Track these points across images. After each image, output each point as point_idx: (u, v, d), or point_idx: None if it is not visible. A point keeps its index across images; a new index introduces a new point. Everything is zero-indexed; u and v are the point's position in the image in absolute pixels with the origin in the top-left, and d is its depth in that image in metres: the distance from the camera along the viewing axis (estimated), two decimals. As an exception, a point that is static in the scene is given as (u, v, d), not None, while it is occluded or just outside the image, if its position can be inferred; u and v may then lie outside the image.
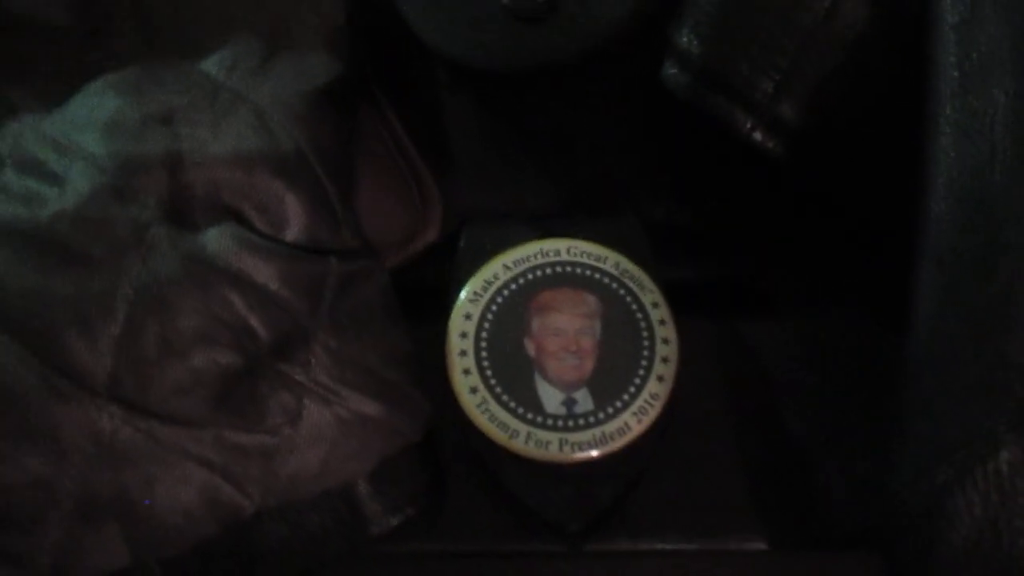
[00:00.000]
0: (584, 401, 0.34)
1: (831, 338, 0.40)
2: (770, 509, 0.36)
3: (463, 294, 0.36)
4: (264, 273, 0.32)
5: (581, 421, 0.34)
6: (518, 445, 0.34)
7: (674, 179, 0.42)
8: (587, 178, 0.42)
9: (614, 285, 0.37)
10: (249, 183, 0.34)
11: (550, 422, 0.34)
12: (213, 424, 0.32)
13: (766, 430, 0.37)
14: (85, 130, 0.34)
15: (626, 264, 0.37)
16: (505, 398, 0.35)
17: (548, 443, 0.34)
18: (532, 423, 0.34)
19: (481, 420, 0.34)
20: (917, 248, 0.30)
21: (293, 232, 0.34)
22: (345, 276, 0.35)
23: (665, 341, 0.36)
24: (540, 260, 0.37)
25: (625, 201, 0.41)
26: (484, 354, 0.35)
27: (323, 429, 0.33)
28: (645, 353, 0.35)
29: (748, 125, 0.36)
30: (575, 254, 0.37)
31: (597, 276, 0.37)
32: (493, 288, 0.36)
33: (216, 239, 0.32)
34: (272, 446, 0.32)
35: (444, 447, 0.35)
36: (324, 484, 0.33)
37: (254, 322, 0.32)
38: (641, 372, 0.35)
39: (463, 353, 0.35)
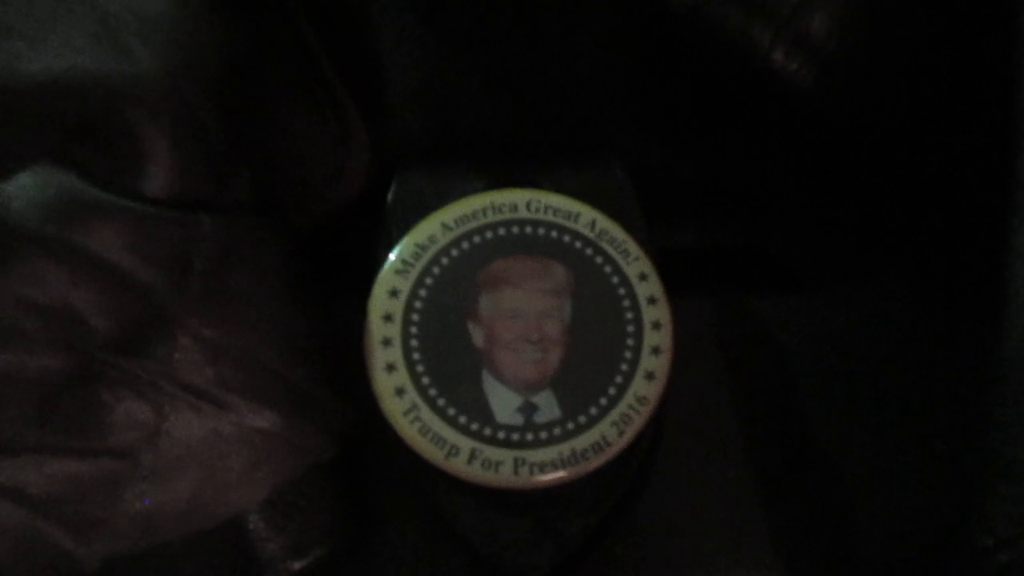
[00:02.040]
0: (548, 407, 0.26)
1: (871, 322, 0.31)
2: (787, 545, 0.28)
3: (388, 263, 0.27)
4: (101, 239, 0.24)
5: (544, 434, 0.25)
6: (459, 466, 0.25)
7: (671, 120, 0.33)
8: (559, 115, 0.33)
9: (589, 252, 0.28)
10: (84, 113, 0.24)
11: (503, 435, 0.25)
12: (32, 448, 0.23)
13: (785, 443, 0.29)
14: None
15: (605, 224, 0.28)
16: (442, 403, 0.26)
17: (500, 464, 0.25)
18: (479, 437, 0.25)
19: (410, 433, 0.25)
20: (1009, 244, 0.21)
21: (154, 181, 0.25)
22: (226, 241, 0.26)
23: (656, 326, 0.27)
24: (492, 218, 0.28)
25: (608, 147, 0.31)
26: (415, 343, 0.26)
27: (194, 448, 0.25)
28: (629, 342, 0.26)
29: (767, 43, 0.28)
30: (538, 210, 0.28)
31: (567, 240, 0.28)
32: (429, 255, 0.27)
33: (24, 191, 0.23)
34: (119, 473, 0.24)
35: (366, 469, 0.26)
36: (198, 522, 0.25)
37: (84, 306, 0.23)
38: (624, 368, 0.26)
39: (387, 342, 0.26)
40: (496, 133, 0.32)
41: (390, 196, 0.29)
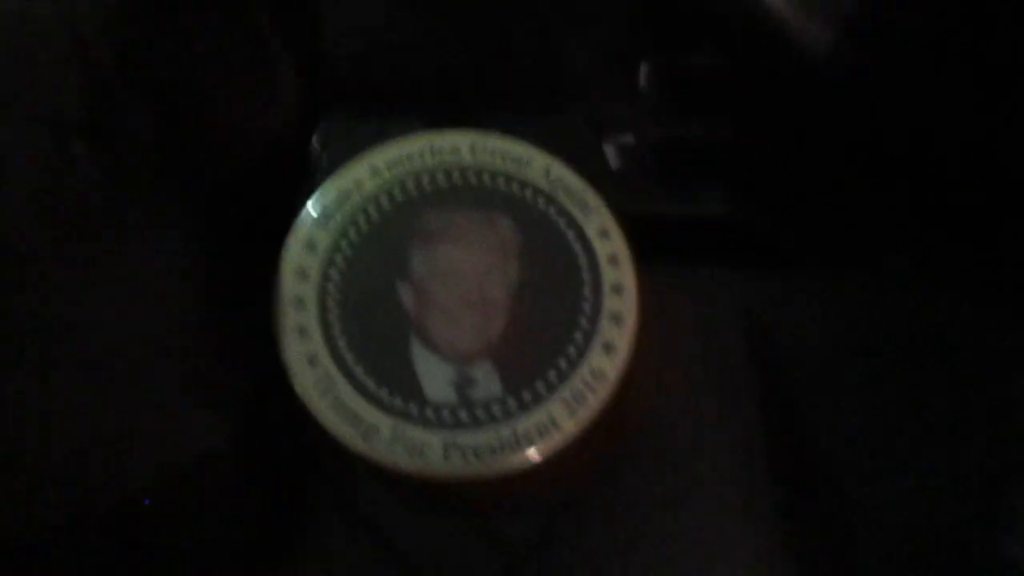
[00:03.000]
0: (487, 382, 0.22)
1: (866, 307, 0.27)
2: (769, 554, 0.23)
3: (306, 211, 0.23)
4: None
5: (480, 413, 0.21)
6: (379, 450, 0.21)
7: (649, 66, 0.29)
8: (514, 54, 0.28)
9: (541, 203, 0.24)
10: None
11: (431, 414, 0.21)
12: None
13: (768, 436, 0.25)
14: None
15: (561, 172, 0.24)
16: (361, 373, 0.22)
17: (427, 448, 0.21)
18: (402, 415, 0.21)
19: (323, 408, 0.21)
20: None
21: (20, 96, 0.21)
22: (106, 175, 0.21)
23: (616, 289, 0.23)
24: (429, 162, 0.24)
25: (569, 94, 0.27)
26: (333, 305, 0.22)
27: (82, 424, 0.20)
28: (585, 308, 0.22)
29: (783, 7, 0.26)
30: (483, 154, 0.24)
31: (515, 189, 0.24)
32: (354, 203, 0.23)
33: None
34: None
35: (265, 455, 0.21)
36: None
37: None
38: (578, 337, 0.22)
39: (300, 303, 0.22)
40: (438, 74, 0.27)
41: (315, 139, 0.25)
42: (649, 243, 0.25)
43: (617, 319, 0.23)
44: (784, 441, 0.26)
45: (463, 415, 0.22)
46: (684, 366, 0.26)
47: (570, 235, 0.23)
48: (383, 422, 0.22)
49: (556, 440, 0.22)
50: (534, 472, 0.22)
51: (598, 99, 0.29)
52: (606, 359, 0.22)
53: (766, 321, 0.28)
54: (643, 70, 0.30)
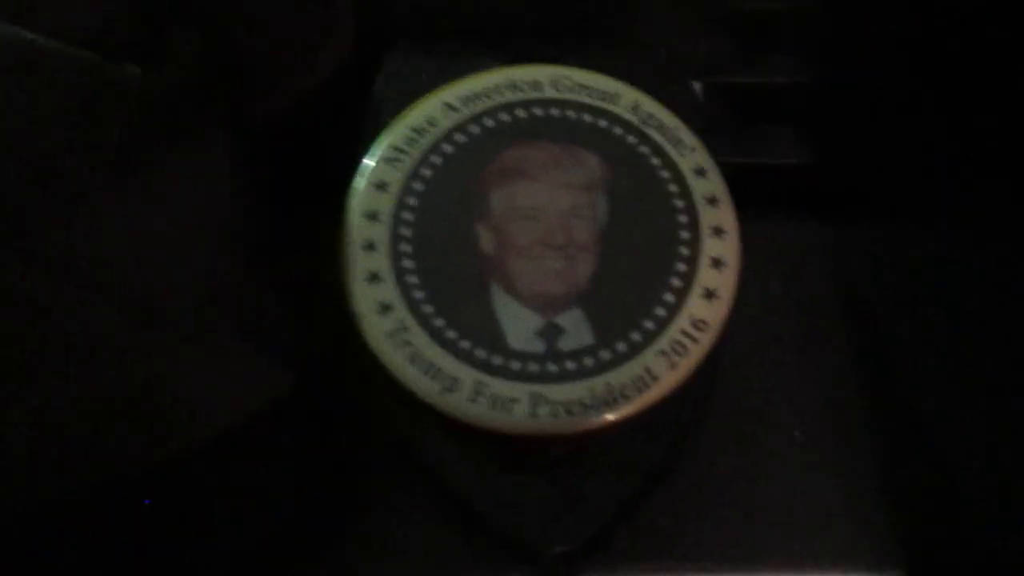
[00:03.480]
0: (576, 330, 0.20)
1: (961, 256, 0.25)
2: (865, 518, 0.21)
3: (375, 150, 0.21)
4: None
5: (571, 365, 0.19)
6: (460, 404, 0.19)
7: (730, 17, 0.27)
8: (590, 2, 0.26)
9: (632, 139, 0.22)
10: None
11: (517, 366, 0.19)
12: None
13: (863, 393, 0.23)
14: None
15: (652, 107, 0.22)
16: (440, 324, 0.20)
17: (513, 402, 0.19)
18: (486, 367, 0.19)
19: (397, 360, 0.19)
20: None
21: (64, 15, 0.19)
22: (158, 104, 0.20)
23: (717, 232, 0.21)
24: (508, 97, 0.22)
25: (654, 31, 0.25)
26: (407, 249, 0.20)
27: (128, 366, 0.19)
28: (683, 251, 0.20)
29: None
30: (566, 89, 0.22)
31: (603, 124, 0.22)
32: (428, 141, 0.21)
33: None
34: None
35: (335, 409, 0.19)
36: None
37: None
38: (676, 283, 0.20)
39: (370, 247, 0.20)
40: (512, 9, 0.26)
41: (380, 75, 0.23)
42: (732, 189, 0.23)
43: (718, 264, 0.21)
44: (880, 397, 0.24)
45: (551, 367, 0.20)
46: (776, 316, 0.24)
47: (664, 174, 0.21)
48: (465, 374, 0.20)
49: (654, 394, 0.20)
50: (627, 429, 0.20)
51: (678, 38, 0.27)
52: (707, 306, 0.20)
53: (856, 270, 0.26)
54: (723, 9, 0.28)
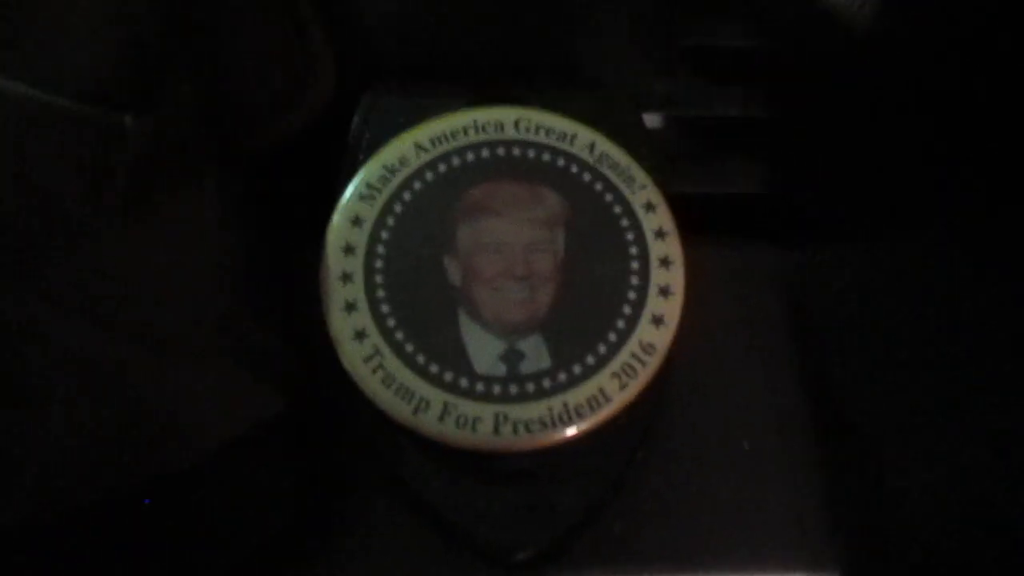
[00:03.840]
0: (535, 355, 0.22)
1: (906, 279, 0.27)
2: (810, 524, 0.23)
3: (351, 187, 0.23)
4: None
5: (530, 387, 0.21)
6: (430, 424, 0.21)
7: (683, 52, 0.29)
8: (553, 44, 0.28)
9: (587, 177, 0.24)
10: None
11: (482, 388, 0.21)
12: None
13: (808, 407, 0.25)
14: None
15: (606, 147, 0.24)
16: (411, 349, 0.22)
17: (478, 421, 0.21)
18: (453, 389, 0.21)
19: (372, 383, 0.21)
20: None
21: (68, 72, 0.21)
22: (154, 150, 0.21)
23: (665, 263, 0.22)
24: (473, 138, 0.24)
25: (611, 71, 0.27)
26: (380, 280, 0.22)
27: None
28: (634, 281, 0.22)
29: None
30: (528, 130, 0.24)
31: (561, 163, 0.24)
32: (399, 179, 0.23)
33: None
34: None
35: (320, 429, 0.21)
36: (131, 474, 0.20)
37: None
38: (627, 311, 0.22)
39: (347, 278, 0.22)
40: (482, 54, 0.27)
41: (357, 116, 0.25)
42: (688, 218, 0.25)
43: (665, 292, 0.23)
44: (823, 412, 0.26)
45: (513, 389, 0.22)
46: (726, 338, 0.26)
47: (617, 209, 0.23)
48: (433, 396, 0.22)
49: (606, 412, 0.22)
50: (583, 443, 0.22)
51: (634, 76, 0.29)
52: (656, 332, 0.22)
53: (806, 294, 0.28)
54: (676, 47, 0.30)
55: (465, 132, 0.24)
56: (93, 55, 0.21)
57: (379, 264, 0.23)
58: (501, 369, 0.22)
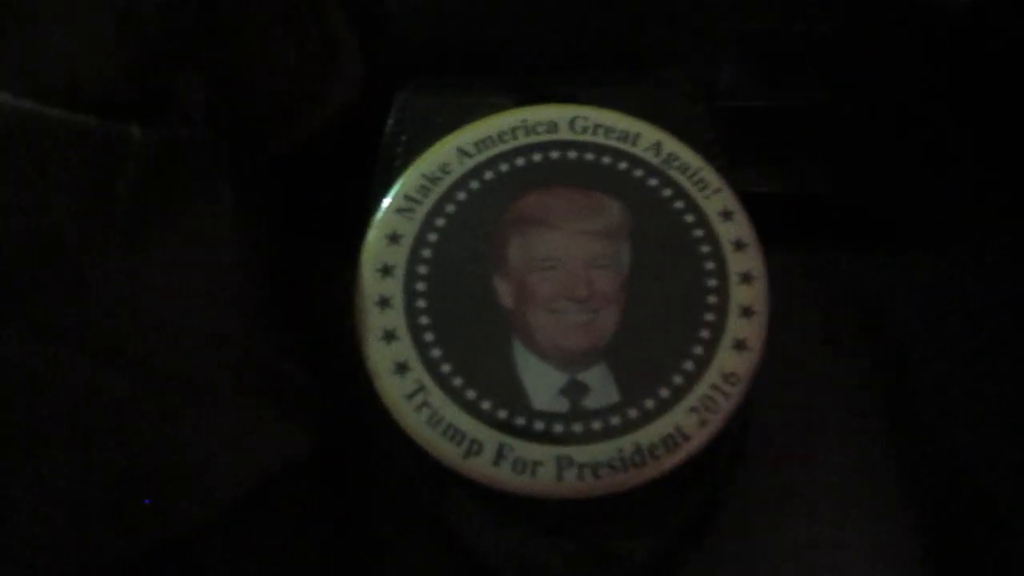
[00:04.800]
0: (602, 388, 0.19)
1: (993, 286, 0.24)
2: (900, 551, 0.21)
3: (387, 200, 0.20)
4: None
5: (597, 425, 0.19)
6: (483, 468, 0.18)
7: (751, 42, 0.26)
8: (606, 31, 0.25)
9: (653, 182, 0.21)
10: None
11: (541, 427, 0.18)
12: None
13: (902, 435, 0.22)
14: None
15: (674, 147, 0.21)
16: (459, 383, 0.19)
17: (538, 465, 0.18)
18: (509, 429, 0.19)
19: (416, 423, 0.19)
20: None
21: (66, 78, 0.18)
22: (163, 162, 0.19)
23: (746, 278, 0.20)
24: (523, 140, 0.21)
25: (671, 65, 0.24)
26: (423, 305, 0.19)
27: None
28: (711, 301, 0.19)
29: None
30: (585, 130, 0.21)
31: (623, 167, 0.21)
32: (441, 189, 0.21)
33: None
34: None
35: (353, 473, 0.19)
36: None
37: None
38: (704, 335, 0.19)
39: (385, 303, 0.19)
40: (526, 45, 0.25)
41: (391, 118, 0.23)
42: (758, 222, 0.22)
43: (748, 312, 0.20)
44: (907, 429, 0.24)
45: (577, 428, 0.19)
46: (806, 360, 0.23)
47: (689, 218, 0.21)
48: (486, 437, 0.19)
49: (684, 453, 0.19)
50: (658, 488, 0.19)
51: (692, 67, 0.26)
52: (738, 358, 0.19)
53: (881, 302, 0.25)
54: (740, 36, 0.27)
55: (514, 134, 0.21)
56: (92, 58, 0.19)
57: (421, 287, 0.20)
58: (563, 405, 0.19)
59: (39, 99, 0.18)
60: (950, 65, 0.26)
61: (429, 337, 0.20)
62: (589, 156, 0.21)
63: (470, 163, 0.21)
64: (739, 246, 0.20)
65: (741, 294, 0.20)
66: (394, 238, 0.20)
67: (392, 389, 0.19)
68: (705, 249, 0.20)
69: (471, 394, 0.19)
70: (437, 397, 0.19)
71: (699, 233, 0.20)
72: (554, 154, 0.21)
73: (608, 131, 0.21)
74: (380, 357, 0.20)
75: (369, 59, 0.23)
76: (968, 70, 0.26)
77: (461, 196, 0.21)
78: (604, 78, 0.23)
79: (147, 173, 0.19)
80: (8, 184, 0.17)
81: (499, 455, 0.19)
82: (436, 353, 0.19)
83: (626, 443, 0.19)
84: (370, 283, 0.20)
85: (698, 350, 0.19)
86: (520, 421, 0.19)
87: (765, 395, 0.22)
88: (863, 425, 0.23)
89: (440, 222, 0.21)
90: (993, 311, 0.25)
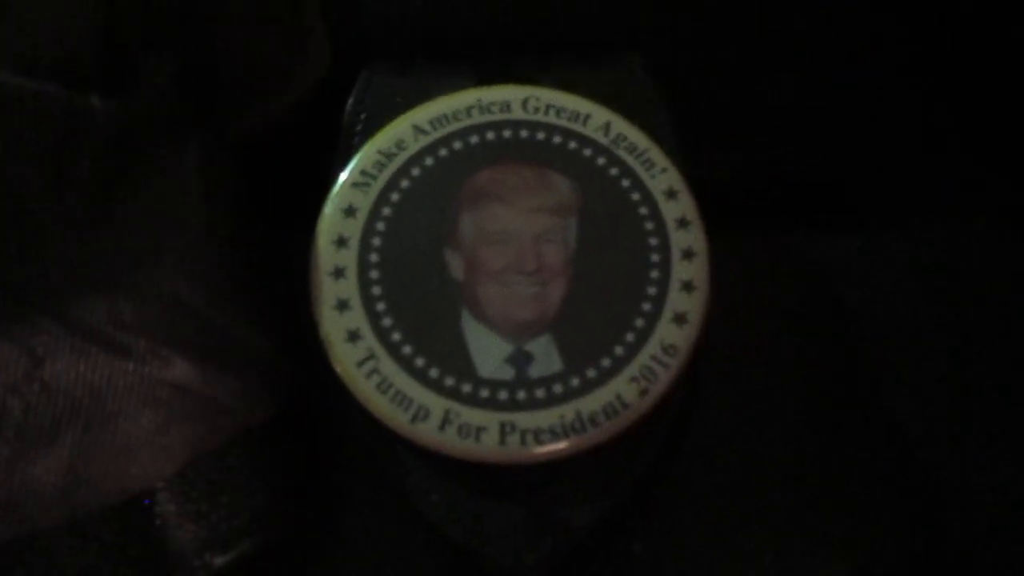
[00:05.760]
0: (546, 357, 0.20)
1: (950, 268, 0.25)
2: (850, 539, 0.21)
3: (344, 174, 0.21)
4: None
5: (540, 392, 0.19)
6: (430, 433, 0.19)
7: (707, 19, 0.27)
8: (564, 10, 0.26)
9: (602, 161, 0.21)
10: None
11: (487, 394, 0.19)
12: None
13: (846, 411, 0.23)
14: None
15: (623, 127, 0.22)
16: (409, 351, 0.20)
17: (482, 430, 0.19)
18: (455, 395, 0.19)
19: (367, 389, 0.19)
20: None
21: (26, 44, 0.19)
22: (126, 134, 0.19)
23: (687, 255, 0.20)
24: (477, 119, 0.22)
25: (624, 46, 0.25)
26: (376, 275, 0.20)
27: (77, 404, 0.19)
28: (654, 275, 0.20)
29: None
30: (537, 110, 0.22)
31: (573, 146, 0.22)
32: (396, 164, 0.21)
33: None
34: None
35: (310, 437, 0.19)
36: (84, 501, 0.19)
37: None
38: (646, 308, 0.20)
39: (339, 273, 0.20)
40: (487, 27, 0.25)
41: (352, 96, 0.23)
42: (712, 204, 0.23)
43: (688, 287, 0.21)
44: (858, 406, 0.24)
45: (521, 395, 0.20)
46: (757, 337, 0.24)
47: (635, 196, 0.21)
48: (434, 403, 0.20)
49: (624, 420, 0.20)
50: (597, 454, 0.20)
51: (652, 50, 0.27)
52: (678, 331, 0.20)
53: (844, 286, 0.26)
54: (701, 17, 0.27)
55: (468, 113, 0.22)
56: (55, 28, 0.19)
57: (374, 258, 0.21)
58: (508, 373, 0.20)
59: (1, 67, 0.19)
60: (920, 42, 0.27)
61: (381, 307, 0.20)
62: (540, 135, 0.22)
63: (425, 140, 0.22)
64: (682, 224, 0.21)
65: (683, 270, 0.21)
66: (350, 211, 0.21)
67: (344, 356, 0.20)
68: (649, 226, 0.21)
69: (420, 362, 0.20)
70: (387, 365, 0.20)
71: (644, 211, 0.21)
72: (507, 133, 0.22)
73: (559, 111, 0.22)
74: (333, 325, 0.20)
75: (334, 40, 0.24)
76: (939, 46, 0.27)
77: (416, 172, 0.22)
78: (562, 61, 0.24)
79: (108, 141, 0.19)
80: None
81: (445, 420, 0.19)
82: (387, 322, 0.20)
83: (568, 410, 0.20)
84: (325, 254, 0.21)
85: (640, 323, 0.20)
86: (466, 388, 0.20)
87: (720, 369, 0.23)
88: (815, 402, 0.24)
89: (395, 196, 0.21)
90: (956, 291, 0.26)
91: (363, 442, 0.22)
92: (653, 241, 0.21)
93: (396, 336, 0.20)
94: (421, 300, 0.20)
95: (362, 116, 0.23)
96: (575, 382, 0.20)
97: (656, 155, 0.22)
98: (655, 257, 0.21)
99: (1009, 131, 0.26)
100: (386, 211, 0.21)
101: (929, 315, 0.26)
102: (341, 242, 0.21)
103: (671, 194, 0.21)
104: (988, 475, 0.23)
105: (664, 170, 0.22)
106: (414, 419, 0.19)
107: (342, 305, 0.20)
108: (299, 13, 0.24)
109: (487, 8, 0.25)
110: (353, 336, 0.20)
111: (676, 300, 0.20)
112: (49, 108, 0.19)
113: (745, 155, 0.27)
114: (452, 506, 0.20)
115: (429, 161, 0.22)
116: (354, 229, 0.21)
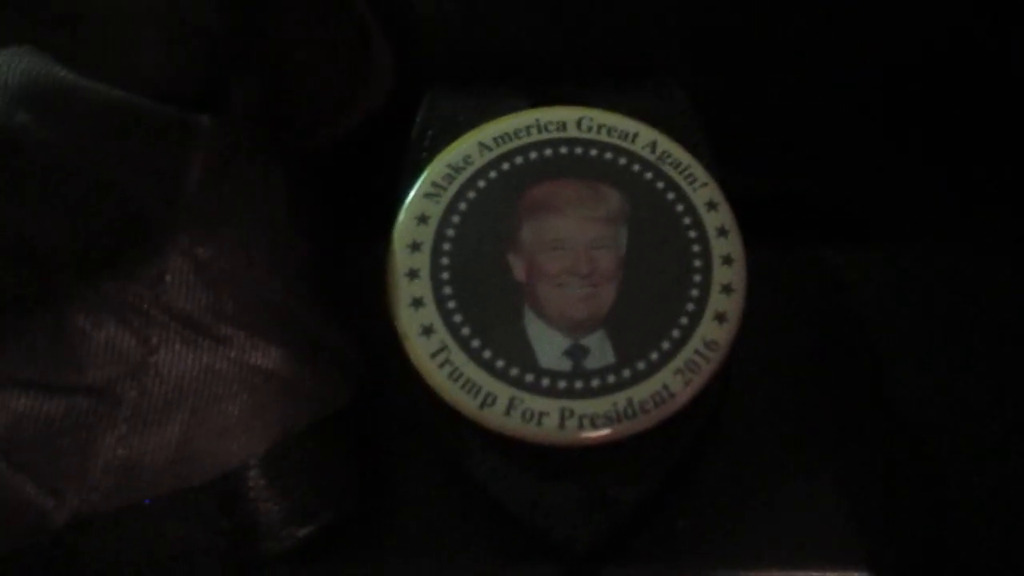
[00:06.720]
0: (600, 351, 0.22)
1: (960, 283, 0.27)
2: (869, 517, 0.24)
3: (417, 186, 0.24)
4: (73, 132, 0.20)
5: (595, 382, 0.22)
6: (496, 418, 0.21)
7: (737, 47, 0.29)
8: (609, 37, 0.29)
9: (648, 176, 0.24)
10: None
11: (547, 383, 0.22)
12: None
13: (863, 406, 0.25)
14: None
15: (667, 145, 0.24)
16: (477, 344, 0.22)
17: (543, 416, 0.21)
18: (519, 384, 0.22)
19: (439, 378, 0.22)
20: None
21: (146, 71, 0.21)
22: (228, 148, 0.22)
23: (727, 260, 0.23)
24: (536, 137, 0.24)
25: (665, 71, 0.27)
26: (446, 276, 0.22)
27: (184, 388, 0.21)
28: (696, 278, 0.23)
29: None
30: (590, 129, 0.24)
31: (623, 161, 0.24)
32: (463, 177, 0.24)
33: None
34: (96, 414, 0.20)
35: (384, 421, 0.22)
36: (186, 476, 0.21)
37: (35, 216, 0.19)
38: (690, 308, 0.22)
39: (413, 275, 0.22)
40: (539, 53, 0.28)
41: (419, 115, 0.26)
42: (742, 218, 0.25)
43: (728, 289, 0.23)
44: (875, 409, 0.26)
45: (578, 384, 0.22)
46: (784, 337, 0.26)
47: (679, 208, 0.24)
48: (500, 391, 0.22)
49: (670, 408, 0.22)
50: (648, 439, 0.22)
51: (690, 79, 0.29)
52: (718, 329, 0.22)
53: (859, 293, 0.28)
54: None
55: (528, 131, 0.24)
56: (167, 55, 0.22)
57: (445, 261, 0.23)
58: (566, 364, 0.22)
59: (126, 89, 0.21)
60: (937, 62, 0.29)
61: (452, 304, 0.23)
62: (593, 152, 0.24)
63: (489, 155, 0.24)
64: (722, 232, 0.23)
65: (722, 274, 0.23)
66: (423, 219, 0.24)
67: (419, 349, 0.22)
68: (692, 235, 0.23)
69: (487, 354, 0.22)
70: (458, 356, 0.22)
71: (687, 221, 0.24)
72: (563, 149, 0.24)
73: (610, 130, 0.25)
74: (409, 321, 0.23)
75: (399, 65, 0.26)
76: (954, 67, 0.29)
77: (481, 184, 0.24)
78: (609, 84, 0.26)
79: (214, 157, 0.22)
80: (97, 159, 0.20)
81: (510, 406, 0.22)
82: (458, 318, 0.23)
83: (620, 398, 0.22)
84: (401, 257, 0.23)
85: (684, 321, 0.23)
86: (529, 377, 0.22)
87: (748, 366, 0.25)
88: (833, 393, 0.26)
89: (463, 206, 0.24)
90: (971, 304, 0.28)
91: (429, 427, 0.24)
92: (696, 248, 0.23)
93: (466, 331, 0.22)
94: (487, 299, 0.23)
95: (428, 133, 0.25)
96: (626, 373, 0.22)
97: (698, 170, 0.24)
98: (697, 262, 0.23)
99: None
100: (455, 219, 0.23)
101: (940, 325, 0.28)
102: (415, 247, 0.23)
103: (712, 205, 0.24)
104: (987, 469, 0.25)
105: (705, 184, 0.24)
106: (482, 405, 0.22)
107: (417, 303, 0.23)
108: (365, 40, 0.27)
109: (539, 36, 0.28)
110: (427, 330, 0.22)
111: (717, 301, 0.23)
112: (167, 124, 0.21)
113: (772, 174, 0.30)
114: (514, 485, 0.23)
115: (493, 175, 0.24)
116: (427, 235, 0.23)
